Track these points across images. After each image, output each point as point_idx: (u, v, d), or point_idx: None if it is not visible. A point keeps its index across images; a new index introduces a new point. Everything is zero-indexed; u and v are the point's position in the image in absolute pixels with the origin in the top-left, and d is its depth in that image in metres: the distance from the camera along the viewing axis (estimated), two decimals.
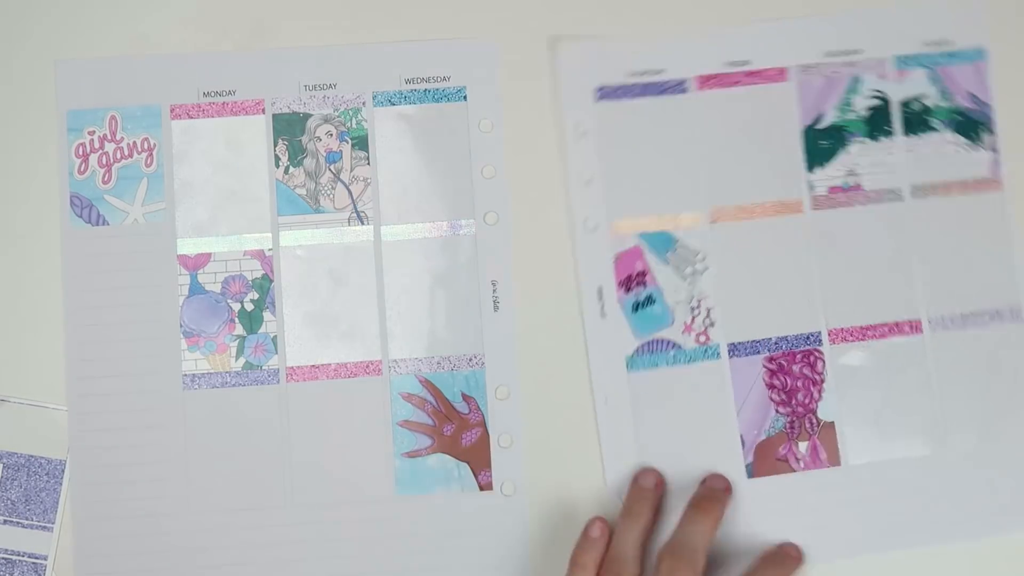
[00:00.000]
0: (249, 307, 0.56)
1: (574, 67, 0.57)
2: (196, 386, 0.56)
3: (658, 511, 0.54)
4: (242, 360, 0.56)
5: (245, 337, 0.56)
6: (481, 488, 0.56)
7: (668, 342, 0.56)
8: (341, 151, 0.57)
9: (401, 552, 0.55)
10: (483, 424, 0.56)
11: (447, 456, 0.56)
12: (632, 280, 0.57)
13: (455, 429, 0.56)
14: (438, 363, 0.56)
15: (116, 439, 0.55)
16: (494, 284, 0.57)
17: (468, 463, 0.56)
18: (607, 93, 0.57)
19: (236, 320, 0.56)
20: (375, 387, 0.56)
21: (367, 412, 0.56)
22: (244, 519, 0.55)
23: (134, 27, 0.57)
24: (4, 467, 0.55)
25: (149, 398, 0.55)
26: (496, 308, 0.56)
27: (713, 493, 0.53)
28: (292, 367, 0.56)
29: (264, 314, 0.56)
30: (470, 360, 0.56)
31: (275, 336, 0.56)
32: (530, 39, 0.58)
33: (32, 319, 0.56)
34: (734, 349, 0.56)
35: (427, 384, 0.56)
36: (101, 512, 0.55)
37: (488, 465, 0.56)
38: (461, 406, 0.56)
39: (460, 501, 0.56)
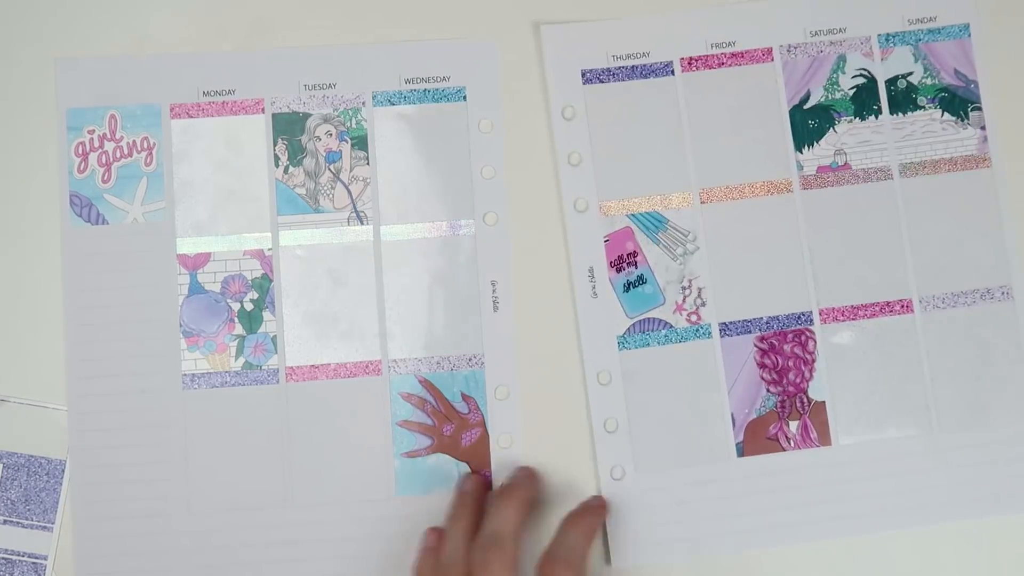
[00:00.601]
0: (249, 307, 0.56)
1: (559, 50, 0.57)
2: (196, 386, 0.56)
3: (482, 510, 0.53)
4: (242, 360, 0.56)
5: (245, 337, 0.56)
6: None
7: (660, 321, 0.56)
8: (341, 151, 0.57)
9: (401, 552, 0.55)
10: (483, 424, 0.56)
11: (447, 456, 0.56)
12: (623, 260, 0.57)
13: (455, 429, 0.56)
14: (438, 363, 0.56)
15: (116, 439, 0.55)
16: (494, 284, 0.57)
17: (468, 463, 0.56)
18: (593, 76, 0.57)
19: (236, 320, 0.56)
20: (375, 387, 0.56)
21: (367, 412, 0.56)
22: (244, 519, 0.55)
23: (134, 26, 0.57)
24: (4, 467, 0.56)
25: (149, 398, 0.55)
26: (496, 308, 0.56)
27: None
28: (292, 367, 0.56)
29: (264, 314, 0.56)
30: (470, 360, 0.56)
31: (275, 336, 0.56)
32: (521, 31, 0.58)
33: (32, 319, 0.56)
34: (725, 328, 0.56)
35: (427, 384, 0.56)
36: (101, 512, 0.55)
37: (488, 465, 0.56)
38: (461, 406, 0.56)
39: None
